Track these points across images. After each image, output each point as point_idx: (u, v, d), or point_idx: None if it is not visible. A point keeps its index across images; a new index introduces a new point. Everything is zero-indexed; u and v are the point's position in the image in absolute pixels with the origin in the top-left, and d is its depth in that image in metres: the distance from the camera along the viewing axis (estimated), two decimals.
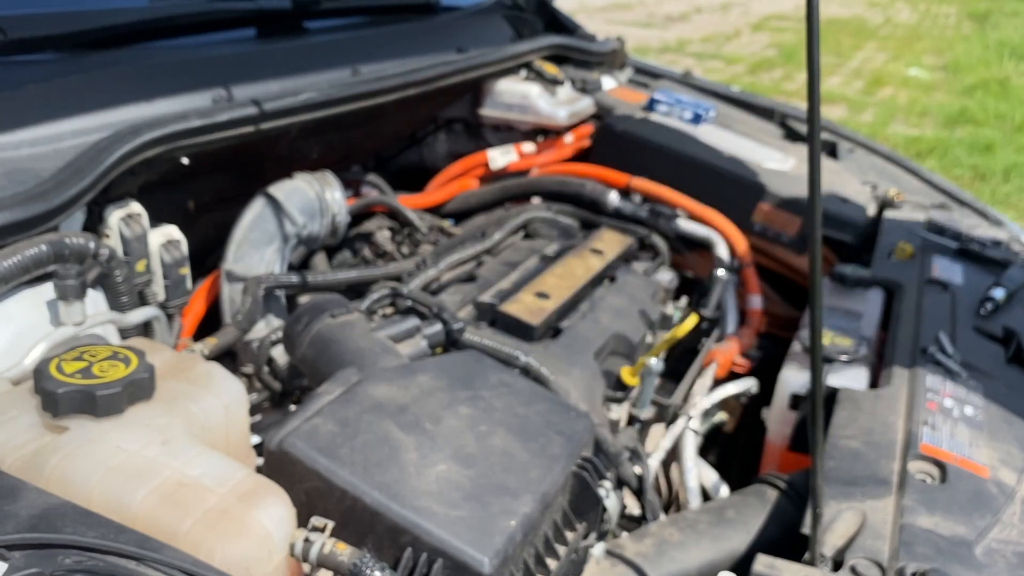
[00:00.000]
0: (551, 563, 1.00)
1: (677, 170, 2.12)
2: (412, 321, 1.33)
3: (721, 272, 1.92)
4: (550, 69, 2.24)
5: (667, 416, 1.51)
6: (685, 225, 2.04)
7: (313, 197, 1.58)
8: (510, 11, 2.41)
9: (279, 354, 1.39)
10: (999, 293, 1.67)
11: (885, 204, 2.15)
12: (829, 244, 2.03)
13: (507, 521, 0.92)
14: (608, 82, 2.45)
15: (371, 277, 1.57)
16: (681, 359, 1.68)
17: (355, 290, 1.55)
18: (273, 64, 1.59)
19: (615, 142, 2.20)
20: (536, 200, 2.14)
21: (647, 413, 1.47)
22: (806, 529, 1.03)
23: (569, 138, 2.22)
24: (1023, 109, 7.35)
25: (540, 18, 2.51)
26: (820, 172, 0.81)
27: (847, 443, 1.22)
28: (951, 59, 9.96)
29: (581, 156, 2.26)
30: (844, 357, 1.48)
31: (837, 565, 1.00)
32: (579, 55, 2.43)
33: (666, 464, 1.60)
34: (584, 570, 1.10)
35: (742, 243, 2.01)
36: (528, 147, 2.19)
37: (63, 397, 0.85)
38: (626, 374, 1.44)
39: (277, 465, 0.96)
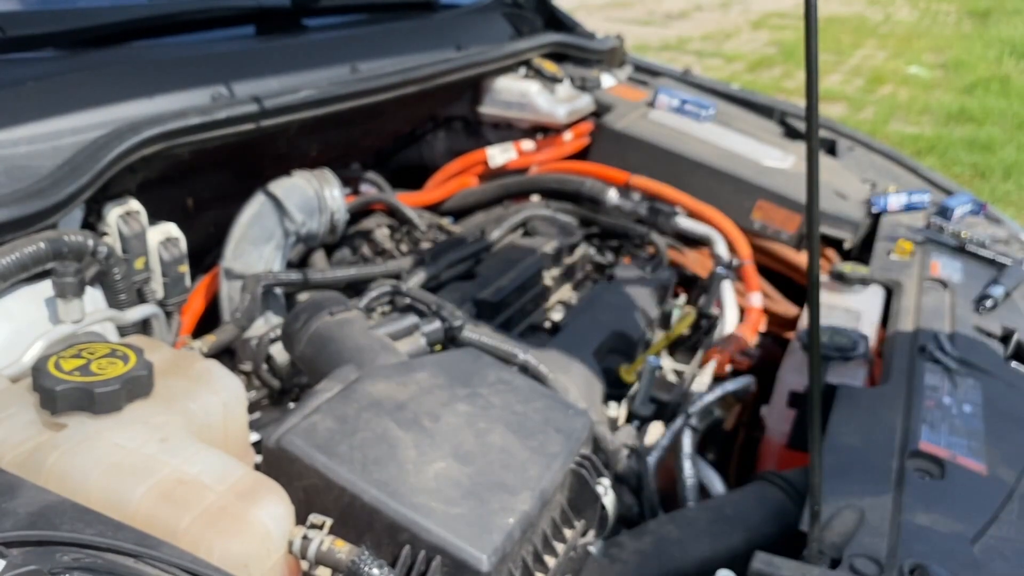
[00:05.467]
0: (550, 561, 1.00)
1: (676, 168, 2.12)
2: (411, 319, 1.33)
3: (720, 270, 1.92)
4: (549, 67, 2.24)
5: (666, 414, 1.51)
6: (684, 223, 2.04)
7: (312, 195, 1.58)
8: (509, 9, 2.41)
9: (278, 352, 1.39)
10: (998, 291, 1.67)
11: None
12: (828, 242, 2.03)
13: (505, 518, 0.92)
14: (607, 80, 2.45)
15: (370, 275, 1.57)
16: (680, 357, 1.68)
17: (354, 288, 1.55)
18: (272, 62, 1.59)
19: (614, 140, 2.20)
20: (535, 198, 2.14)
21: (646, 410, 1.47)
22: (804, 526, 1.03)
23: (568, 136, 2.22)
24: (1023, 107, 7.34)
25: (539, 16, 2.51)
26: (818, 170, 0.81)
27: (846, 441, 1.22)
28: (951, 57, 9.95)
29: (580, 154, 2.25)
30: (843, 355, 1.48)
31: (835, 562, 1.00)
32: (578, 53, 2.43)
33: (665, 462, 1.60)
34: (583, 568, 1.10)
35: (741, 241, 2.01)
36: (527, 145, 2.19)
37: (61, 394, 0.85)
38: (625, 372, 1.44)
39: (276, 462, 0.96)
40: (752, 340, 1.84)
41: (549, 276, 1.66)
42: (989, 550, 1.02)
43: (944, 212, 2.06)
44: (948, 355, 1.44)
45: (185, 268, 1.32)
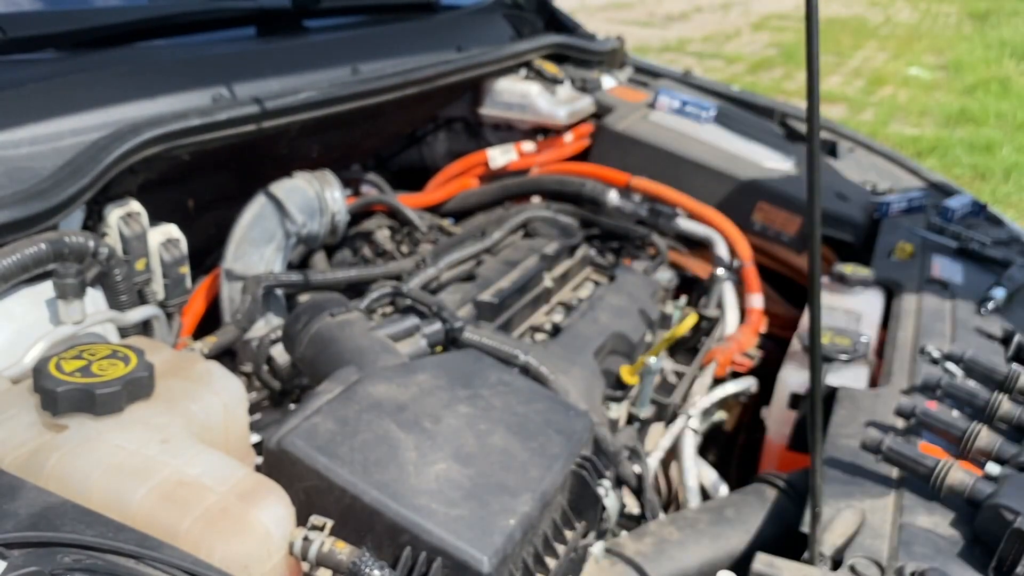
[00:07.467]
0: (550, 562, 1.00)
1: (677, 169, 2.12)
2: (411, 320, 1.32)
3: (721, 271, 1.92)
4: (550, 68, 2.24)
5: (666, 415, 1.51)
6: (685, 224, 2.04)
7: (313, 196, 1.58)
8: (510, 10, 2.41)
9: (278, 353, 1.39)
10: (999, 293, 1.67)
11: None
12: (829, 243, 2.03)
13: (506, 520, 0.92)
14: (608, 81, 2.45)
15: (371, 276, 1.57)
16: (681, 358, 1.68)
17: (355, 289, 1.55)
18: (273, 63, 1.59)
19: (615, 141, 2.20)
20: (536, 199, 2.14)
21: (646, 412, 1.47)
22: (805, 528, 1.03)
23: (569, 137, 2.22)
24: (1023, 108, 7.35)
25: (540, 17, 2.51)
26: (820, 172, 0.81)
27: (846, 442, 1.22)
28: (951, 58, 9.96)
29: (581, 155, 2.26)
30: (844, 356, 1.48)
31: (836, 564, 1.00)
32: (579, 54, 2.43)
33: (665, 463, 1.60)
34: (583, 569, 1.10)
35: (742, 242, 2.01)
36: (528, 146, 2.19)
37: (62, 396, 0.85)
38: (625, 373, 1.44)
39: (276, 464, 0.96)
40: (753, 341, 1.84)
41: (550, 277, 1.66)
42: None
43: (944, 213, 2.06)
44: (949, 357, 1.44)
45: (186, 269, 1.32)
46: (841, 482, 1.14)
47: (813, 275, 0.84)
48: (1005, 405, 1.23)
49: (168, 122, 1.27)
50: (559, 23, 2.54)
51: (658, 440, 1.54)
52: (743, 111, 2.59)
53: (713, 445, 1.82)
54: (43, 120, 1.19)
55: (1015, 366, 1.34)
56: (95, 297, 1.17)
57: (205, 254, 1.62)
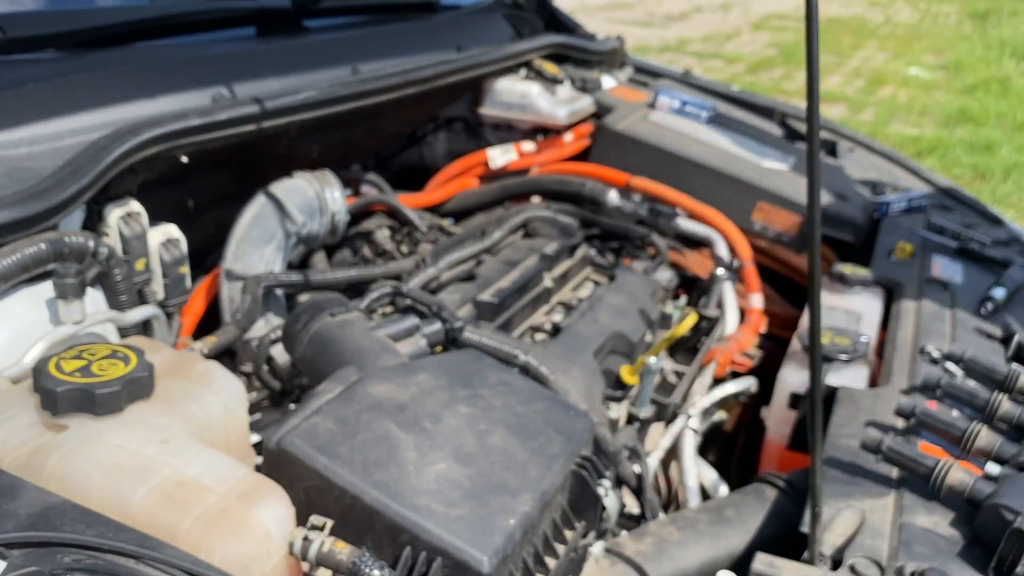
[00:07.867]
0: (550, 562, 1.00)
1: (677, 169, 2.12)
2: (411, 320, 1.32)
3: (721, 271, 1.92)
4: (550, 68, 2.24)
5: (666, 415, 1.51)
6: (685, 224, 2.04)
7: (313, 196, 1.58)
8: (510, 10, 2.41)
9: (278, 353, 1.39)
10: (999, 293, 1.67)
11: None
12: (829, 243, 2.03)
13: (506, 520, 0.92)
14: (608, 81, 2.45)
15: (371, 276, 1.57)
16: (681, 358, 1.68)
17: (355, 289, 1.55)
18: (273, 63, 1.59)
19: (615, 141, 2.20)
20: (536, 199, 2.14)
21: (646, 412, 1.47)
22: (805, 528, 1.03)
23: (569, 137, 2.22)
24: (1023, 108, 7.35)
25: (540, 17, 2.51)
26: (820, 172, 0.81)
27: (846, 442, 1.22)
28: (951, 58, 9.96)
29: (581, 155, 2.26)
30: (843, 356, 1.48)
31: (836, 564, 1.00)
32: (579, 54, 2.43)
33: (665, 463, 1.60)
34: (583, 569, 1.10)
35: (742, 242, 2.01)
36: (528, 146, 2.19)
37: (62, 395, 0.85)
38: (625, 373, 1.44)
39: (276, 464, 0.96)
40: (752, 341, 1.84)
41: (550, 277, 1.66)
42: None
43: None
44: (949, 357, 1.44)
45: (186, 269, 1.32)
46: (841, 482, 1.14)
47: (813, 275, 0.84)
48: (1005, 405, 1.23)
49: (168, 122, 1.27)
50: (559, 23, 2.54)
51: (658, 440, 1.54)
52: (743, 111, 2.59)
53: (713, 445, 1.82)
54: (43, 120, 1.19)
55: (1015, 366, 1.34)
56: (95, 297, 1.17)
57: (205, 254, 1.62)
